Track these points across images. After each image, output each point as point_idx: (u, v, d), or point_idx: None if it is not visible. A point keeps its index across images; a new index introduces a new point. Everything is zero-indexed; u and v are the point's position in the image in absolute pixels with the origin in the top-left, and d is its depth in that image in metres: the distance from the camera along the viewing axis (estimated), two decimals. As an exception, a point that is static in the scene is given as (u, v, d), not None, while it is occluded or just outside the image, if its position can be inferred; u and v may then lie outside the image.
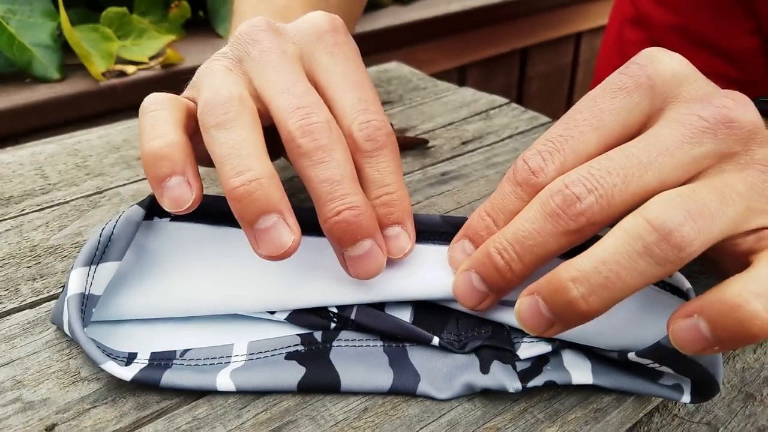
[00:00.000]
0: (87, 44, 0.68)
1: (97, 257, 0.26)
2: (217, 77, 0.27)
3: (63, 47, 0.70)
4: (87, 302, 0.25)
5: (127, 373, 0.24)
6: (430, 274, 0.27)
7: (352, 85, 0.28)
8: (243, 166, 0.24)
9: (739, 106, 0.23)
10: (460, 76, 1.11)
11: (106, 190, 0.39)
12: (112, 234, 0.26)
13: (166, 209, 0.25)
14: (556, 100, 1.35)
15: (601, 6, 1.30)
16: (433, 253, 0.28)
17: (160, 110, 0.26)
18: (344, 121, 0.27)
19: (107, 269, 0.26)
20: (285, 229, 0.24)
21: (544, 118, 0.50)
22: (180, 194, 0.25)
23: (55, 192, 0.39)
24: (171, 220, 0.29)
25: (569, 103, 1.39)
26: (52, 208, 0.37)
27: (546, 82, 1.30)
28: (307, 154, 0.25)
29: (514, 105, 0.53)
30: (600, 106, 0.24)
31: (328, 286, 0.27)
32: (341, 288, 0.27)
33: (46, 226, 0.36)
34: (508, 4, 1.09)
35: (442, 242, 0.29)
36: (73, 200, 0.38)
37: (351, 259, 0.25)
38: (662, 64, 0.24)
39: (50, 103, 0.66)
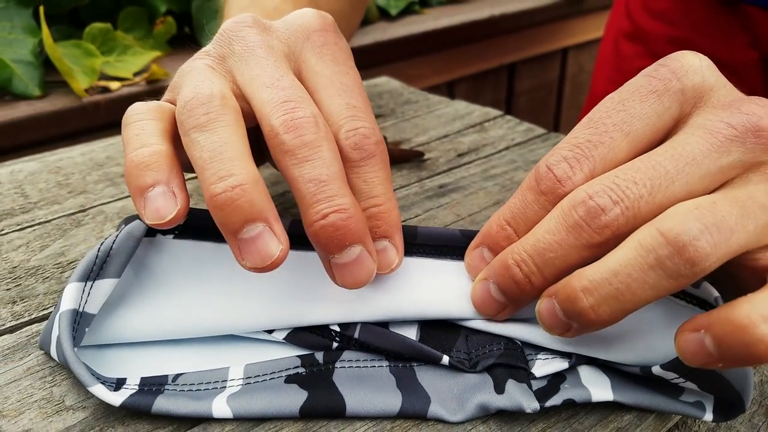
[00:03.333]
0: (69, 60, 0.66)
1: (95, 273, 0.24)
2: (197, 75, 0.25)
3: (44, 64, 0.69)
4: (80, 320, 0.23)
5: (116, 398, 0.22)
6: (441, 290, 0.26)
7: (340, 89, 0.26)
8: (225, 170, 0.22)
9: (767, 112, 0.22)
10: (449, 92, 1.10)
11: (90, 208, 0.38)
12: (111, 249, 0.24)
13: (147, 223, 0.23)
14: (544, 115, 1.36)
15: (587, 22, 1.31)
16: (450, 267, 0.27)
17: (144, 120, 0.25)
18: (331, 128, 0.25)
19: (104, 286, 0.24)
20: (271, 238, 0.22)
21: (540, 130, 0.49)
22: (163, 205, 0.23)
23: (36, 211, 0.38)
24: (174, 237, 0.27)
25: (557, 117, 1.40)
26: (33, 228, 0.36)
27: (534, 97, 1.31)
28: (291, 152, 0.23)
29: (508, 117, 0.52)
30: (629, 110, 0.23)
31: (331, 303, 0.25)
32: (345, 305, 0.25)
33: (26, 246, 0.34)
34: (495, 20, 1.10)
35: (459, 258, 0.27)
36: (54, 219, 0.37)
37: (338, 266, 0.23)
38: (693, 68, 0.23)
39: (30, 120, 0.64)
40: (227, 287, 0.26)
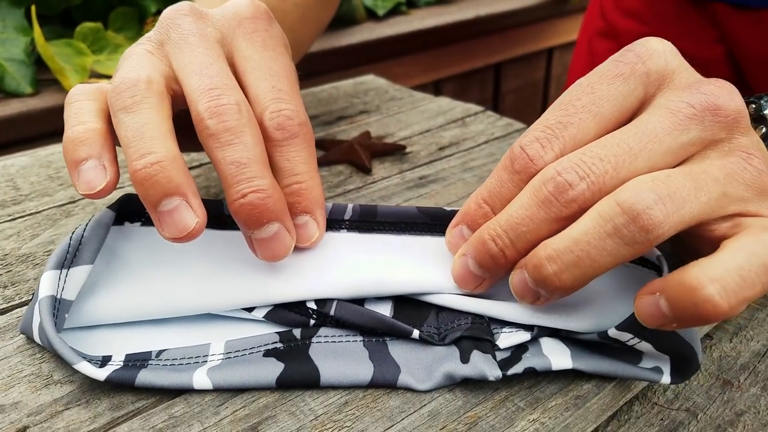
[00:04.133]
0: (61, 59, 0.67)
1: (68, 261, 0.25)
2: (133, 60, 0.27)
3: (36, 62, 0.70)
4: (59, 306, 0.25)
5: (101, 373, 0.23)
6: (414, 267, 0.27)
7: (267, 73, 0.28)
8: (146, 148, 0.24)
9: (725, 93, 0.23)
10: (436, 90, 1.12)
11: (80, 199, 0.39)
12: (82, 237, 0.26)
13: (80, 193, 0.25)
14: (529, 114, 1.37)
15: (571, 22, 1.33)
16: (414, 242, 0.28)
17: (83, 101, 0.27)
18: (256, 109, 0.27)
19: (79, 273, 0.25)
20: (188, 211, 0.24)
21: (519, 125, 0.51)
22: (94, 177, 0.25)
23: (27, 202, 0.39)
24: (142, 225, 0.29)
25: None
26: (24, 218, 0.37)
27: (520, 96, 1.33)
28: (215, 136, 0.25)
29: (489, 112, 0.53)
30: (597, 92, 0.24)
31: (307, 281, 0.27)
32: (321, 283, 0.26)
33: (17, 235, 0.35)
34: (481, 20, 1.11)
35: (420, 233, 0.29)
36: (45, 210, 0.38)
37: (257, 241, 0.25)
38: (656, 52, 0.25)
39: (22, 117, 0.65)
40: (200, 268, 0.27)
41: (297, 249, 0.28)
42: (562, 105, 0.25)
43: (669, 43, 0.25)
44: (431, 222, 0.30)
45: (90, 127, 0.25)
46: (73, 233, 0.26)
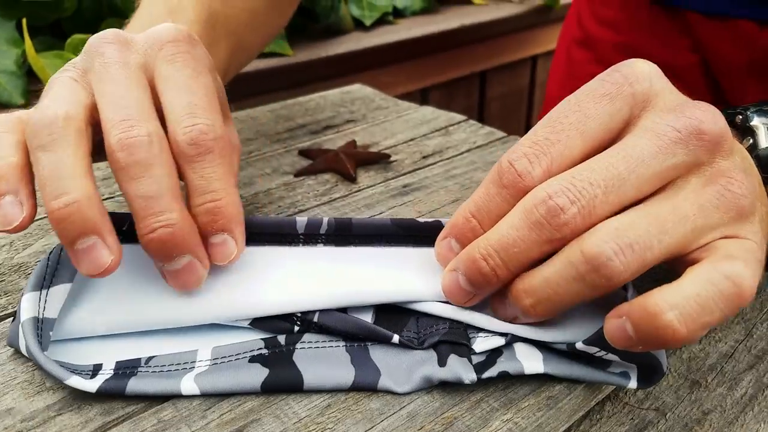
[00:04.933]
0: (51, 70, 0.68)
1: (47, 281, 0.26)
2: (56, 91, 0.27)
3: (27, 74, 0.70)
4: (42, 326, 0.25)
5: (91, 384, 0.24)
6: (392, 277, 0.28)
7: (183, 90, 0.27)
8: (61, 188, 0.24)
9: (709, 116, 0.24)
10: (422, 99, 1.13)
11: (71, 209, 0.40)
12: (60, 257, 0.27)
13: None
14: (515, 120, 1.39)
15: (554, 31, 1.34)
16: (392, 255, 0.29)
17: (1, 132, 0.27)
18: (171, 126, 0.26)
19: (59, 292, 0.26)
20: (103, 249, 0.24)
21: (500, 133, 0.52)
22: (9, 212, 0.25)
23: (19, 213, 0.39)
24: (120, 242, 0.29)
25: (528, 122, 1.43)
26: (16, 229, 0.37)
27: (505, 103, 1.34)
28: (124, 169, 0.25)
29: (472, 122, 0.55)
30: (584, 111, 0.25)
31: (288, 295, 0.27)
32: (303, 295, 0.27)
33: (9, 245, 0.36)
34: (465, 29, 1.12)
35: (395, 245, 0.30)
36: (37, 220, 0.38)
37: (168, 273, 0.26)
38: (642, 74, 0.25)
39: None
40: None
41: (278, 261, 0.28)
42: (549, 122, 0.25)
43: (654, 66, 0.26)
44: (404, 233, 0.31)
45: (7, 161, 0.26)
46: (50, 254, 0.27)
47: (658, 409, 0.26)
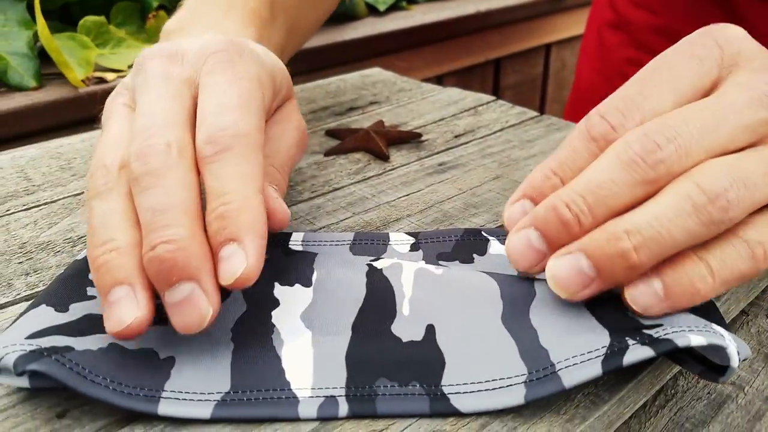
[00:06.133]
0: (65, 52, 0.66)
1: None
2: (111, 126, 0.26)
3: (40, 56, 0.69)
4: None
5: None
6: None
7: (217, 93, 0.25)
8: (107, 236, 0.22)
9: None
10: (438, 84, 1.12)
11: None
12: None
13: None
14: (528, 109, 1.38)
15: (569, 18, 1.34)
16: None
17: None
18: (196, 131, 0.24)
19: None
20: (132, 304, 0.21)
21: (532, 113, 0.51)
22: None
23: (41, 192, 0.38)
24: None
25: (541, 112, 1.42)
26: (39, 208, 0.36)
27: (518, 92, 1.33)
28: (136, 180, 0.23)
29: (501, 101, 0.53)
30: (675, 69, 0.24)
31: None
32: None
33: (34, 224, 0.34)
34: (480, 15, 1.11)
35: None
36: (60, 199, 0.37)
37: (168, 306, 0.21)
38: (733, 37, 0.25)
39: (27, 110, 0.64)
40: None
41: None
42: (640, 80, 0.25)
43: (743, 31, 0.26)
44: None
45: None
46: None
47: (735, 383, 0.25)
